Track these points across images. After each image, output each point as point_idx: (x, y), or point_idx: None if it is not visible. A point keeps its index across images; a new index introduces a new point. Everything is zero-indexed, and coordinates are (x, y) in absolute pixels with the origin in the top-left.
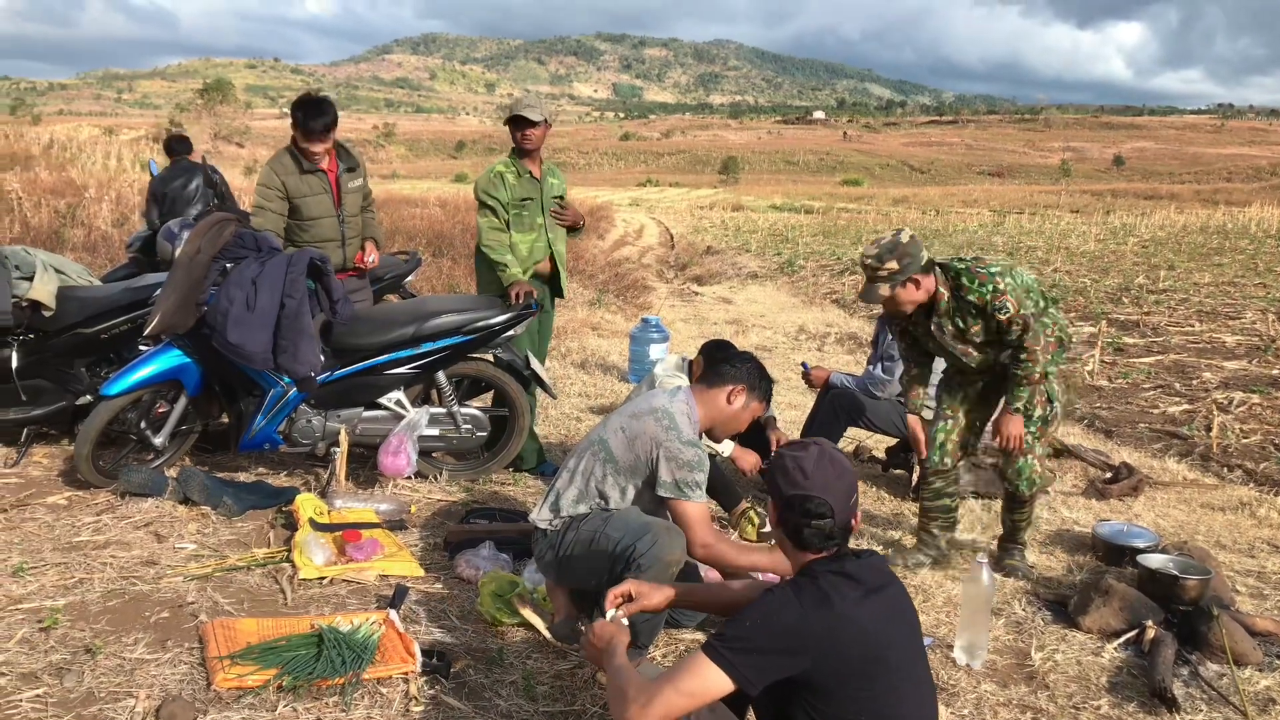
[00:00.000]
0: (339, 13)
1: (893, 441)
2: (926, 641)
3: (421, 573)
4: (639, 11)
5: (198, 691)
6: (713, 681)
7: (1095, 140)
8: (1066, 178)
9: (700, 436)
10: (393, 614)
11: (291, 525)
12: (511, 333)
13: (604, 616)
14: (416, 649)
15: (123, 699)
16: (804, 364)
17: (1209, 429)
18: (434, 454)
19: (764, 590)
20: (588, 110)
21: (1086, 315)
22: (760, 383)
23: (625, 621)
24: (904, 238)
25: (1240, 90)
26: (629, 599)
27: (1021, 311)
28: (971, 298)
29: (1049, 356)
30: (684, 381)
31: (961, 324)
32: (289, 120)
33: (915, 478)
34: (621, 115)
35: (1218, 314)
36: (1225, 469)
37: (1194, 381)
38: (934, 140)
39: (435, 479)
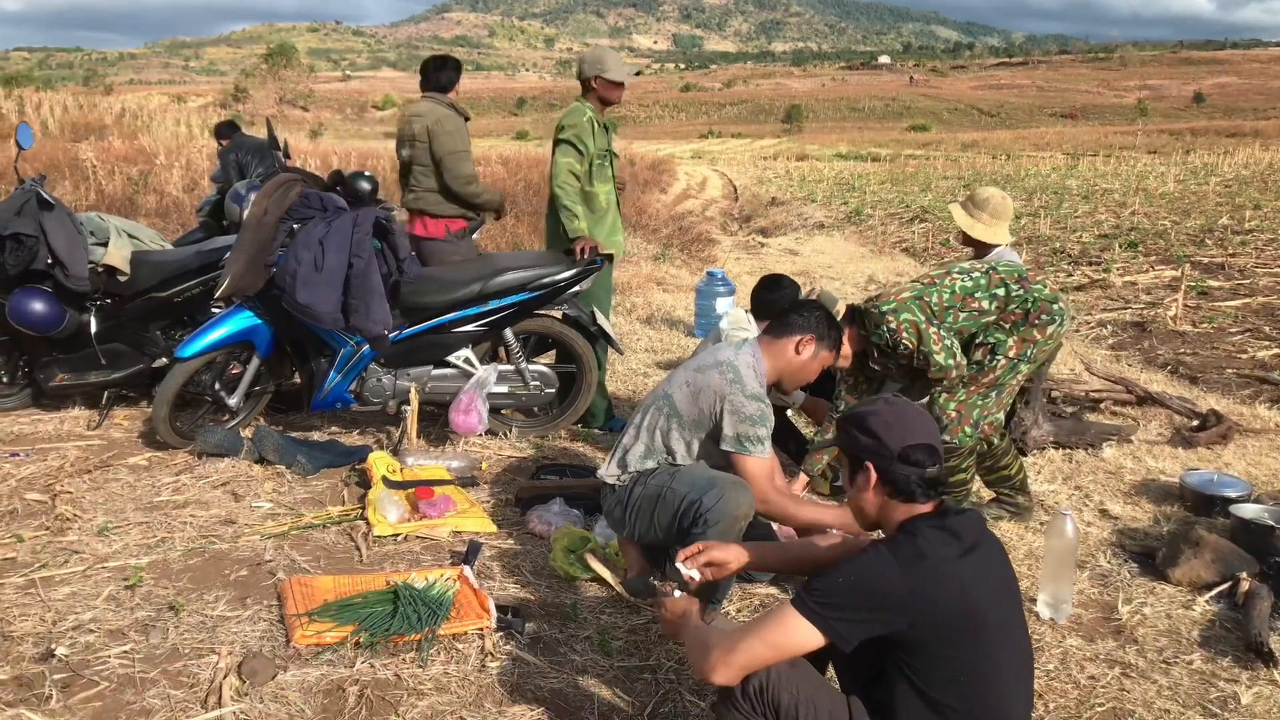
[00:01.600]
0: None
1: None
2: None
3: (494, 529)
4: None
5: (277, 648)
6: (801, 635)
7: (1174, 77)
8: (1143, 117)
9: (769, 389)
10: (467, 570)
11: (365, 483)
12: (578, 288)
13: (676, 573)
14: (491, 605)
15: (206, 655)
16: None
17: None
18: (503, 411)
19: (856, 547)
20: (648, 63)
21: (1167, 259)
22: (830, 331)
23: (696, 576)
24: (814, 296)
25: None
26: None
27: (921, 347)
28: (874, 339)
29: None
30: (750, 333)
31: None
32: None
33: None
34: (682, 66)
35: None
36: None
37: None
38: (1003, 83)
39: (505, 436)
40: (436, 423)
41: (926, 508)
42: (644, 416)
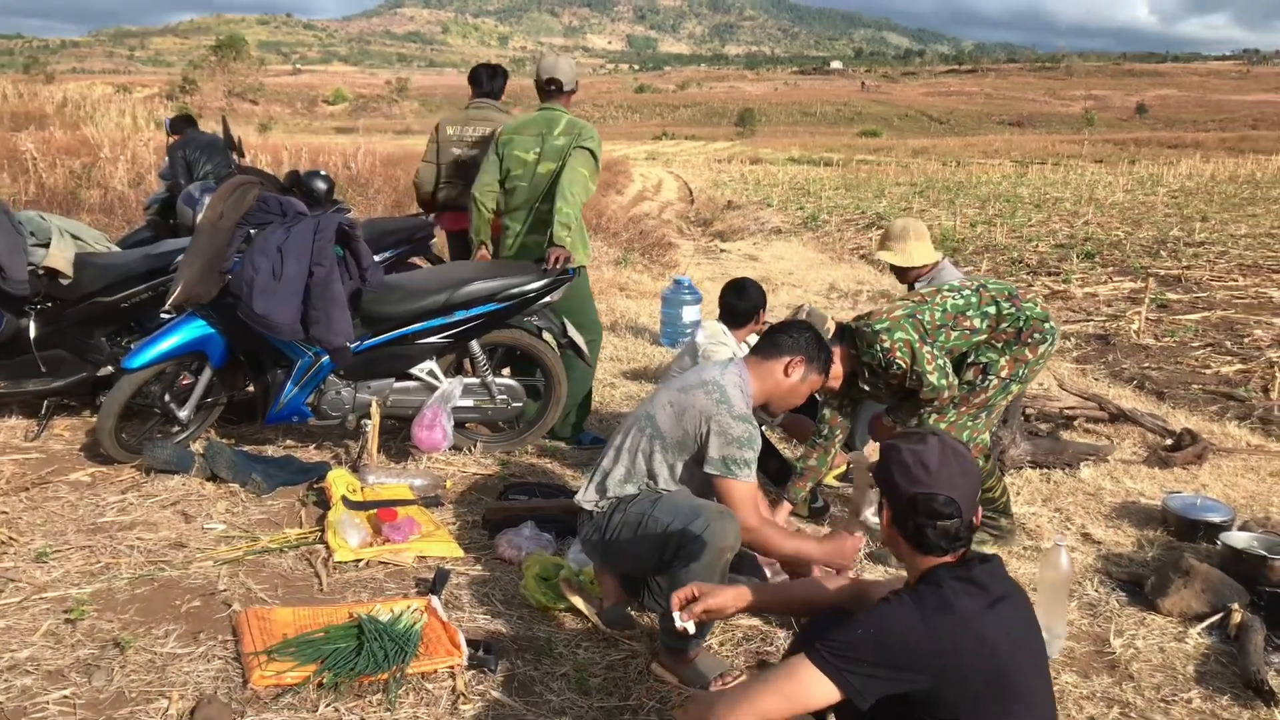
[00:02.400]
0: None
1: None
2: None
3: (461, 553)
4: None
5: (234, 690)
6: (815, 688)
7: (1117, 88)
8: (1090, 127)
9: (755, 411)
10: (435, 600)
11: (324, 503)
12: (548, 299)
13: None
14: (462, 640)
15: (155, 699)
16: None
17: (1267, 390)
18: (468, 425)
19: (866, 590)
20: (602, 63)
21: (1124, 270)
22: (819, 353)
23: (691, 628)
24: (802, 315)
25: (1268, 35)
26: (693, 600)
27: (915, 366)
28: (865, 359)
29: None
30: (730, 348)
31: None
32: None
33: None
34: (636, 67)
35: (1260, 267)
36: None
37: (1245, 339)
38: (953, 90)
39: (470, 451)
40: (398, 437)
41: (948, 558)
42: (624, 438)
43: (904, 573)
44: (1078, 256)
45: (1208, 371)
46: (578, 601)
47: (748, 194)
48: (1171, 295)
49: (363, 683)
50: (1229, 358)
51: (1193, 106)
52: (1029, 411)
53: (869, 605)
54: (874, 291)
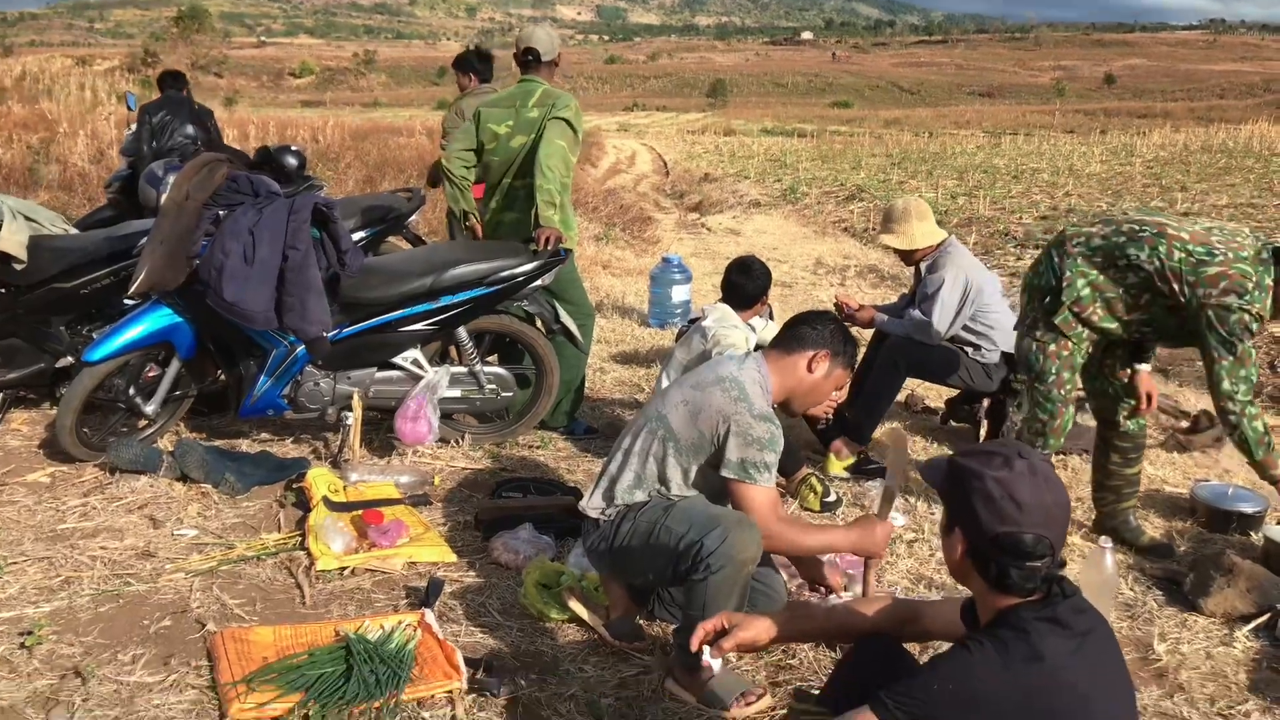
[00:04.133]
0: None
1: (953, 392)
2: None
3: (454, 558)
4: None
5: None
6: None
7: (1086, 59)
8: (1060, 97)
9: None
10: (428, 614)
11: (304, 504)
12: (539, 283)
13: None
14: (460, 660)
15: None
16: (843, 304)
17: (1274, 366)
18: (455, 417)
19: (915, 610)
20: (571, 34)
21: None
22: (845, 346)
23: (717, 666)
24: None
25: (1234, 4)
26: (721, 633)
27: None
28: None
29: None
30: (743, 331)
31: None
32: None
33: (984, 434)
34: (606, 38)
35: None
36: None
37: None
38: (923, 60)
39: (457, 444)
40: (380, 430)
41: (1030, 598)
42: (634, 440)
43: (949, 587)
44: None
45: None
46: (583, 612)
47: (723, 166)
48: None
49: (354, 713)
50: None
51: (1161, 76)
52: None
53: (918, 629)
54: (861, 266)
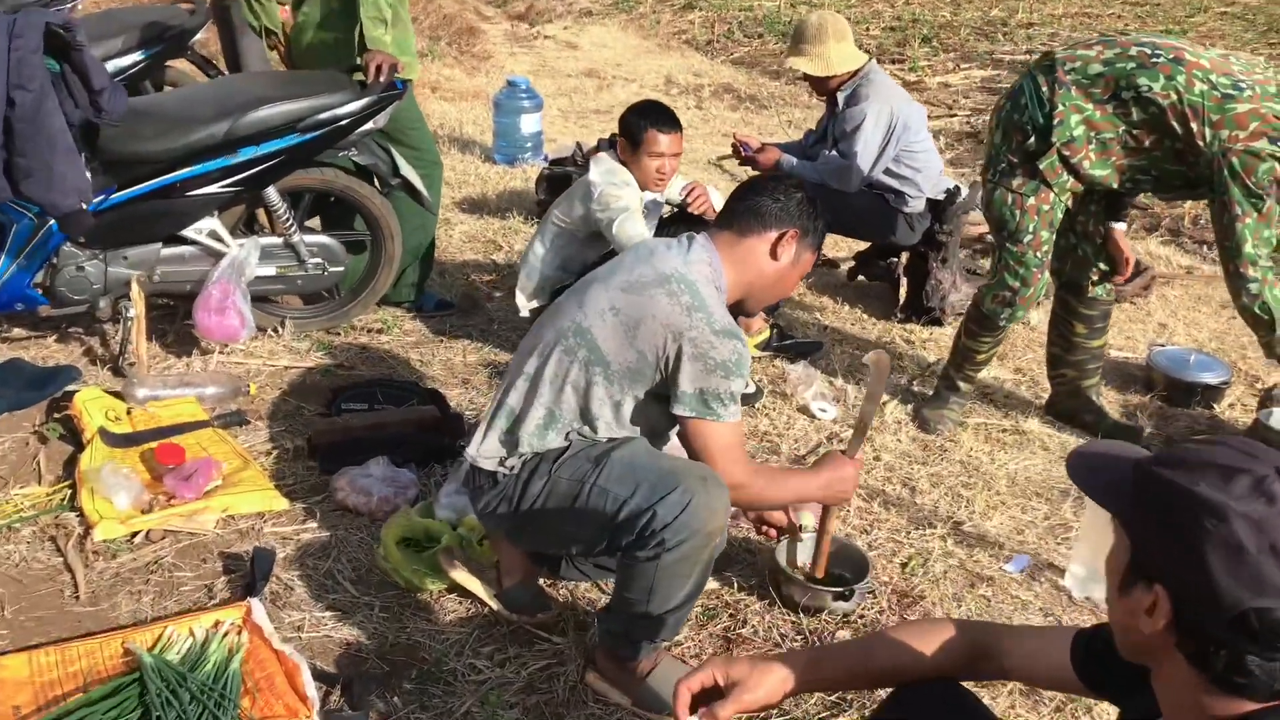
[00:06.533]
0: None
1: (862, 243)
2: (1019, 563)
3: (284, 504)
4: None
5: None
6: None
7: None
8: None
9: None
10: (256, 607)
11: (73, 439)
12: (370, 125)
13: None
14: (306, 678)
15: None
16: (740, 143)
17: None
18: (272, 299)
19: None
20: None
21: (967, 55)
22: (815, 222)
23: None
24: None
25: None
26: (712, 692)
27: None
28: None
29: None
30: (635, 191)
31: None
32: None
33: (903, 293)
34: None
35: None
36: (1201, 245)
37: None
38: None
39: (276, 334)
40: (175, 323)
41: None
42: (541, 362)
43: (907, 503)
44: (917, 42)
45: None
46: (467, 581)
47: None
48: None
49: None
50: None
51: None
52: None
53: (996, 667)
54: (715, 85)
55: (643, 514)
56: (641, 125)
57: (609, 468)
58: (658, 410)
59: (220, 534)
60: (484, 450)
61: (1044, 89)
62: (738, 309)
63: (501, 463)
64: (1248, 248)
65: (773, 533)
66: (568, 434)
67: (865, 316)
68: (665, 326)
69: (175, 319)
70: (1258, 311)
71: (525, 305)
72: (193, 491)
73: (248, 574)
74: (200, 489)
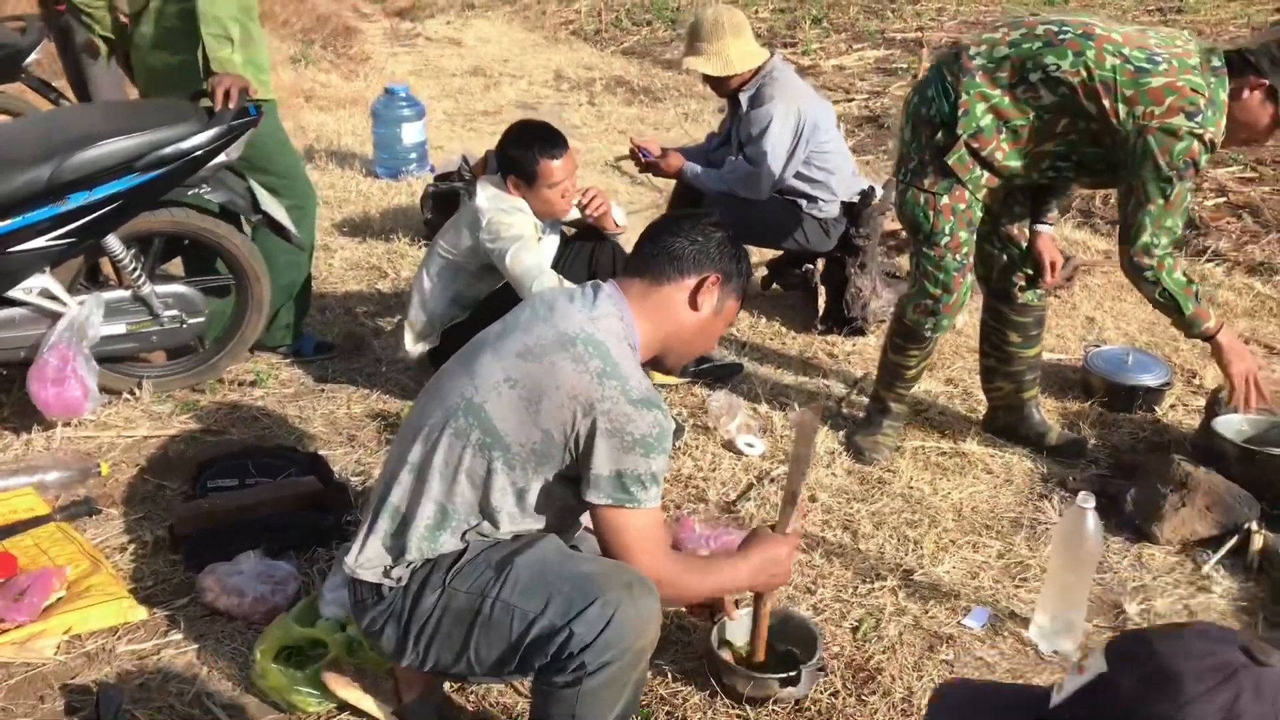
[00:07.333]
0: None
1: (774, 251)
2: (979, 616)
3: (142, 614)
4: None
5: None
6: None
7: None
8: None
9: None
10: None
11: None
12: (221, 158)
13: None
14: None
15: None
16: (639, 148)
17: None
18: (126, 360)
19: None
20: None
21: (859, 35)
22: (739, 265)
23: None
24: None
25: None
26: None
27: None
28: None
29: None
30: (527, 217)
31: None
32: None
33: (822, 302)
34: None
35: (983, 25)
36: (1114, 225)
37: None
38: None
39: (132, 397)
40: (11, 393)
41: None
42: (424, 449)
43: (850, 548)
44: (808, 23)
45: None
46: (359, 699)
47: None
48: (921, 62)
49: None
50: None
51: None
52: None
53: None
54: (607, 79)
55: (557, 633)
56: (531, 158)
57: (514, 577)
58: (568, 493)
59: (64, 661)
60: (364, 559)
61: (949, 79)
62: (655, 365)
63: (386, 573)
64: (1145, 236)
65: (703, 612)
66: (464, 534)
67: (784, 330)
68: (573, 399)
69: (11, 388)
70: (1159, 299)
71: (414, 347)
72: (26, 614)
73: (94, 715)
74: (36, 609)
